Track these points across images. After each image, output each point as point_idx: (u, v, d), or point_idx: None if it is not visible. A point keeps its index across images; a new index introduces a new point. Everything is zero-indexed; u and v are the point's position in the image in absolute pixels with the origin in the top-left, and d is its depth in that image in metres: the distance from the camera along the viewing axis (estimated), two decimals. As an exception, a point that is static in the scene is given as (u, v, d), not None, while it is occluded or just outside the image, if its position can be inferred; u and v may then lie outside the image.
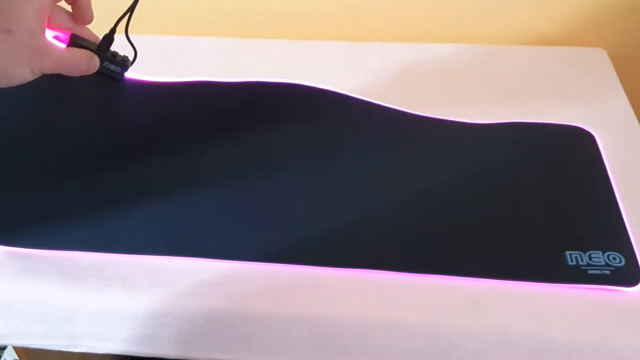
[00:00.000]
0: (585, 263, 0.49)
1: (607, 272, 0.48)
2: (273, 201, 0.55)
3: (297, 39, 0.80)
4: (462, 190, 0.56)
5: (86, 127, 0.58)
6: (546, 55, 0.75)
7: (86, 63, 0.52)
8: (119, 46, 0.56)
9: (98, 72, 0.54)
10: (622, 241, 0.51)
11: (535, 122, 0.63)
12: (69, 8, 0.52)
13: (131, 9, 0.54)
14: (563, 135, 0.62)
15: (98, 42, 0.54)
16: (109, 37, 0.54)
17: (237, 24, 0.83)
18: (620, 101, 0.67)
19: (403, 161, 0.59)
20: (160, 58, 0.72)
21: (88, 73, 0.53)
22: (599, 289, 0.48)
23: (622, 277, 0.48)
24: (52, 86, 0.54)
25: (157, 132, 0.60)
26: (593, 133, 0.61)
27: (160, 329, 0.49)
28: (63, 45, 0.52)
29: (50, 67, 0.49)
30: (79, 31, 0.52)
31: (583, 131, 0.62)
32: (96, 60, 0.53)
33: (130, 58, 0.57)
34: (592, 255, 0.49)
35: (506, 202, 0.55)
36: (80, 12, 0.52)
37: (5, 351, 0.99)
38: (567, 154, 0.60)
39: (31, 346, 0.51)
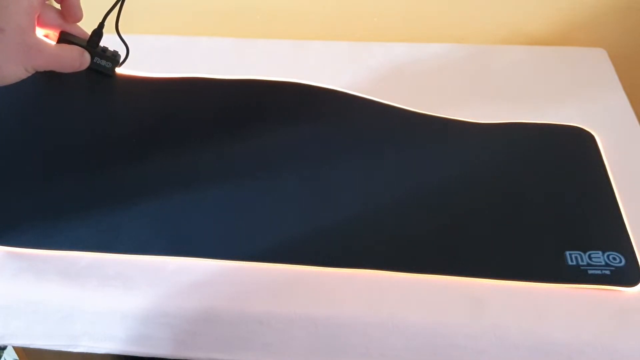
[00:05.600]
0: (585, 263, 0.49)
1: (607, 272, 0.48)
2: (273, 200, 0.55)
3: (296, 38, 0.80)
4: (462, 190, 0.56)
5: (85, 126, 0.58)
6: (546, 55, 0.75)
7: (78, 59, 0.53)
8: (113, 45, 0.56)
9: (88, 68, 0.54)
10: (622, 241, 0.51)
11: (535, 122, 0.63)
12: (58, 6, 0.52)
13: (119, 3, 0.54)
14: (563, 135, 0.61)
15: (88, 38, 0.54)
16: (98, 33, 0.55)
17: (236, 24, 0.83)
18: (620, 101, 0.67)
19: (403, 160, 0.59)
20: (159, 58, 0.72)
21: (80, 69, 0.53)
22: (599, 289, 0.48)
23: (622, 277, 0.48)
24: (49, 86, 0.54)
25: (157, 131, 0.60)
26: (593, 133, 0.61)
27: (160, 329, 0.49)
28: (53, 42, 0.52)
29: (42, 64, 0.49)
30: (68, 29, 0.53)
31: (583, 131, 0.62)
32: (87, 56, 0.54)
33: (121, 53, 0.57)
34: (592, 255, 0.49)
35: (506, 202, 0.55)
36: (69, 11, 0.52)
37: (5, 351, 0.99)
38: (567, 154, 0.60)
39: (31, 346, 0.51)
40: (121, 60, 0.57)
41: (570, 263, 0.49)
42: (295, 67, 0.73)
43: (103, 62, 0.55)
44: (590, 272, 0.48)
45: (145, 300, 0.48)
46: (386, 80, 0.71)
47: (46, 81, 0.54)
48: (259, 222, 0.53)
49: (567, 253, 0.50)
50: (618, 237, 0.51)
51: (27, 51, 0.48)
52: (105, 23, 0.55)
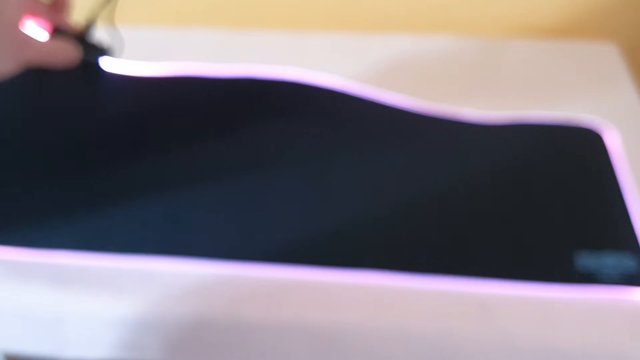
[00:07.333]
0: (596, 266, 0.48)
1: (620, 275, 0.47)
2: (270, 200, 0.54)
3: (296, 28, 0.78)
4: (467, 190, 0.54)
5: (73, 124, 0.57)
6: (552, 49, 0.73)
7: (69, 54, 0.53)
8: (106, 40, 0.55)
9: (81, 63, 0.54)
10: (634, 243, 0.49)
11: (542, 122, 0.61)
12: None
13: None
14: (571, 135, 0.60)
15: (78, 32, 0.54)
16: (90, 27, 0.54)
17: (231, 13, 0.82)
18: (632, 99, 0.65)
19: (406, 160, 0.58)
20: (151, 51, 0.70)
21: (72, 64, 0.53)
22: (612, 293, 0.47)
23: (635, 280, 0.47)
24: (37, 82, 0.54)
25: (149, 129, 0.59)
26: (603, 133, 0.60)
27: (152, 335, 0.48)
28: (43, 38, 0.52)
29: (33, 59, 0.49)
30: (58, 22, 0.53)
31: (592, 131, 0.60)
32: (78, 51, 0.53)
33: (115, 48, 0.56)
34: (604, 258, 0.48)
35: (514, 202, 0.53)
36: (59, 5, 0.53)
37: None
38: (576, 154, 0.58)
39: (20, 352, 0.50)
40: (113, 55, 0.57)
41: (580, 266, 0.48)
42: (294, 60, 0.72)
43: (95, 57, 0.55)
44: (601, 275, 0.47)
45: (136, 305, 0.47)
46: (390, 73, 0.70)
47: (35, 77, 0.53)
48: (255, 222, 0.52)
49: (578, 255, 0.48)
50: (630, 238, 0.50)
51: (17, 46, 0.48)
52: (98, 17, 0.55)
